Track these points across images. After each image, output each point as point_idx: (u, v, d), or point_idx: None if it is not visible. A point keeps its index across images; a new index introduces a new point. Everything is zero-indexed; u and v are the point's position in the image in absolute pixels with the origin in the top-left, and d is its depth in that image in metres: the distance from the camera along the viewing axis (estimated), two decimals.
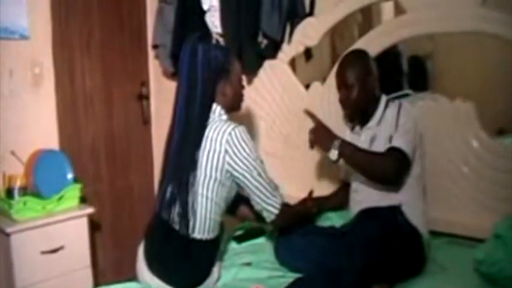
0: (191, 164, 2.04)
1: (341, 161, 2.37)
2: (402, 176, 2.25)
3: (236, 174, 2.06)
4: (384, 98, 2.42)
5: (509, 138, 2.62)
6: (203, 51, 2.09)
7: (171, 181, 2.09)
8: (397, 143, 2.21)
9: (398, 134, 2.23)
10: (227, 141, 2.02)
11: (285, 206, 2.19)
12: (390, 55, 2.88)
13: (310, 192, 2.46)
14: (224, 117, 2.15)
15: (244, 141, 2.05)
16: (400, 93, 2.86)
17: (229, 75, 2.16)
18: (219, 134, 2.04)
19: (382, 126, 2.35)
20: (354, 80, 2.36)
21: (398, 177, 2.24)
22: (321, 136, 2.33)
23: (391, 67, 2.90)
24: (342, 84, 2.42)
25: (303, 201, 2.45)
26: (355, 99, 2.38)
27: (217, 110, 2.13)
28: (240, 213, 2.46)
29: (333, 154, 2.25)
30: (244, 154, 2.04)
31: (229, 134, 2.03)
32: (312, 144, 2.36)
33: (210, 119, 2.09)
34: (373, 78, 2.40)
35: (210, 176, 2.04)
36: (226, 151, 2.03)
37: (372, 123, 2.40)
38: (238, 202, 2.36)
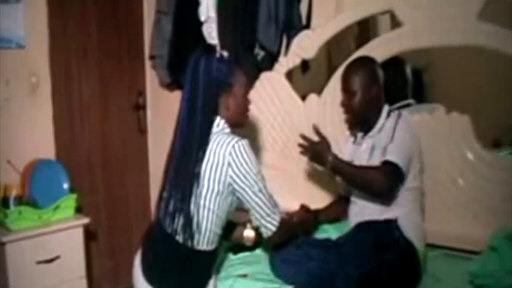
0: (194, 176, 2.03)
1: None
2: (395, 189, 2.25)
3: (237, 187, 2.05)
4: (386, 108, 2.43)
5: (505, 150, 2.63)
6: (205, 64, 2.08)
7: (174, 193, 2.08)
8: (390, 156, 2.20)
9: (392, 146, 2.23)
10: (230, 154, 2.01)
11: (284, 223, 2.18)
12: (395, 63, 2.89)
13: (302, 206, 2.46)
14: (227, 130, 2.13)
15: (247, 154, 2.03)
16: (402, 103, 2.88)
17: (232, 88, 2.14)
18: (222, 146, 2.02)
19: (381, 135, 2.35)
20: (358, 87, 2.38)
21: (390, 191, 2.24)
22: (319, 151, 2.37)
23: (395, 75, 2.88)
24: (345, 89, 2.45)
25: (298, 214, 2.46)
26: (356, 106, 2.40)
27: (220, 123, 2.11)
28: (234, 237, 2.44)
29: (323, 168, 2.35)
30: (247, 168, 2.02)
31: (233, 146, 2.01)
32: (306, 153, 2.43)
33: (213, 132, 2.08)
34: (377, 87, 2.41)
35: (213, 189, 2.03)
36: (229, 164, 2.01)
37: (373, 132, 2.41)
38: (231, 227, 2.36)
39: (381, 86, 2.43)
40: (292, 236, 2.31)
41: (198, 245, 2.06)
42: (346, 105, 2.46)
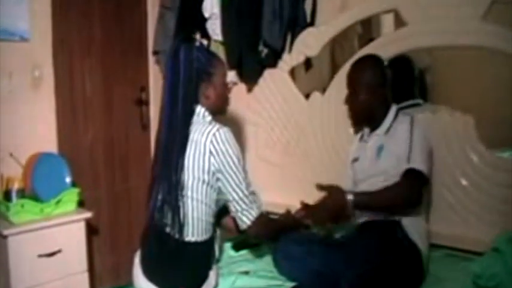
0: (177, 167, 2.05)
1: (350, 174, 2.51)
2: (423, 195, 2.25)
3: (220, 176, 2.07)
4: (393, 107, 2.43)
5: (508, 151, 2.63)
6: (185, 53, 2.09)
7: (161, 185, 2.10)
8: (414, 164, 2.20)
9: (415, 154, 2.22)
10: (211, 142, 2.03)
11: (264, 218, 2.19)
12: (402, 61, 2.89)
13: (303, 206, 2.46)
14: (208, 118, 2.15)
15: (228, 142, 2.06)
16: (410, 102, 2.87)
17: (212, 77, 2.16)
18: (203, 135, 2.05)
19: (391, 137, 2.35)
20: (363, 85, 2.39)
21: (419, 198, 2.23)
22: (334, 199, 2.26)
23: (402, 74, 2.87)
24: (350, 87, 2.45)
25: (288, 213, 2.45)
26: (360, 104, 2.41)
27: (201, 111, 2.13)
28: (223, 223, 2.44)
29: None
30: (227, 155, 2.04)
31: (214, 134, 2.04)
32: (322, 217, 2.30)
33: (194, 122, 2.10)
34: (383, 86, 2.40)
35: (198, 178, 2.05)
36: (210, 152, 2.04)
37: (380, 130, 2.41)
38: (223, 213, 2.36)
39: (387, 85, 2.42)
40: (277, 231, 2.33)
41: (192, 236, 2.08)
42: (350, 102, 2.47)
